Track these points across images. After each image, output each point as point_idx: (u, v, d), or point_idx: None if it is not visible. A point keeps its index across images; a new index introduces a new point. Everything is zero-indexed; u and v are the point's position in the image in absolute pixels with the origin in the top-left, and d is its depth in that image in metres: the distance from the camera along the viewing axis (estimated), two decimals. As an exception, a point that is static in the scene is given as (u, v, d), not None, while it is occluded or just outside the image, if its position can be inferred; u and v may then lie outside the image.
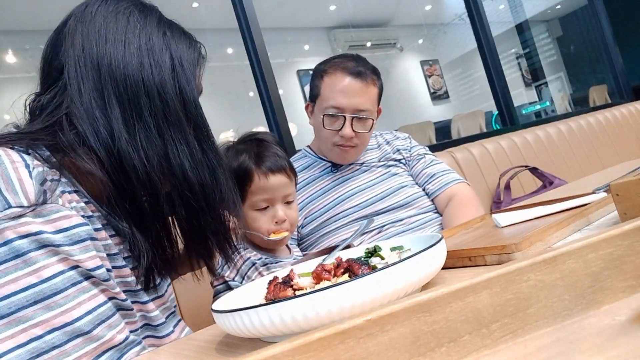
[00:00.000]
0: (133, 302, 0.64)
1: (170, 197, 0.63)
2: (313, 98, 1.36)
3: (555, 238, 0.62)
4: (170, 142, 0.63)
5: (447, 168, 1.45)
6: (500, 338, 0.33)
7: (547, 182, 1.91)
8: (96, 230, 0.59)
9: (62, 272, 0.52)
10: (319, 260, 0.70)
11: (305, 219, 1.33)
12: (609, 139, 2.55)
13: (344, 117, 1.27)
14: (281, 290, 0.53)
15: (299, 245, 1.33)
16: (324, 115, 1.29)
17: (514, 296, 0.34)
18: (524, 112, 6.54)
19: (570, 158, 2.30)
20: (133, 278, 0.64)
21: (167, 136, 0.63)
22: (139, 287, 0.65)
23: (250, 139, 1.04)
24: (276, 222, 0.98)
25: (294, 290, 0.53)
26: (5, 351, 0.47)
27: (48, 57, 0.65)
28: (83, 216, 0.58)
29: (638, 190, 0.54)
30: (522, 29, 7.42)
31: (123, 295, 0.60)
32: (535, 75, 7.58)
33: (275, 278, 0.57)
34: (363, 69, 1.29)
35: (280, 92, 2.09)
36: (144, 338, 0.65)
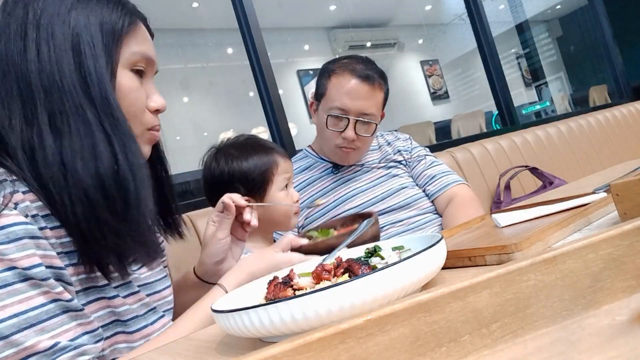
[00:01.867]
0: (98, 299, 0.62)
1: (61, 195, 0.57)
2: (318, 97, 1.35)
3: (555, 238, 0.62)
4: (67, 134, 0.58)
5: (447, 170, 1.45)
6: (500, 338, 0.33)
7: (547, 182, 1.91)
8: (52, 228, 0.58)
9: None
10: (319, 260, 0.70)
11: (306, 219, 1.33)
12: (609, 139, 2.55)
13: (348, 119, 1.27)
14: (281, 290, 0.53)
15: None
16: (328, 116, 1.28)
17: (514, 296, 0.34)
18: (524, 112, 6.54)
19: (570, 158, 2.30)
20: (98, 273, 0.62)
21: (63, 128, 0.58)
22: (104, 282, 0.63)
23: (242, 139, 1.12)
24: (296, 201, 1.11)
25: (294, 290, 0.53)
26: None
27: None
28: (35, 215, 0.56)
29: (638, 190, 0.54)
30: (522, 29, 7.42)
31: (68, 295, 0.56)
32: (535, 75, 7.58)
33: (275, 278, 0.57)
34: (371, 73, 1.28)
35: (280, 92, 2.09)
36: (113, 334, 0.64)
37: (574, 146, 2.36)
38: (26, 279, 0.53)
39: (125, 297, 0.67)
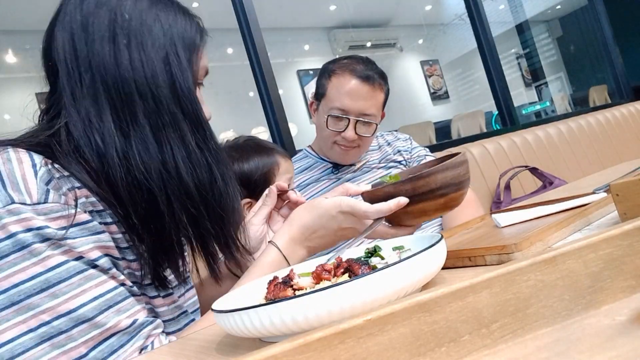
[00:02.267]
0: (141, 295, 0.64)
1: (170, 203, 0.60)
2: (319, 97, 1.36)
3: (555, 238, 0.62)
4: (167, 144, 0.60)
5: None
6: (500, 338, 0.33)
7: (547, 182, 1.91)
8: (106, 224, 0.59)
9: (66, 262, 0.53)
10: (318, 260, 0.70)
11: None
12: (609, 139, 2.55)
13: (348, 119, 1.27)
14: (281, 290, 0.53)
15: None
16: (328, 116, 1.29)
17: (514, 296, 0.34)
18: (524, 112, 6.54)
19: (570, 158, 2.30)
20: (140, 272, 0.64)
21: (163, 139, 0.60)
22: (147, 282, 0.65)
23: (242, 141, 1.12)
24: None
25: (294, 290, 0.53)
26: (19, 334, 0.50)
27: (43, 55, 0.64)
28: (92, 211, 0.58)
29: (638, 190, 0.54)
30: (522, 29, 7.42)
31: (129, 282, 0.60)
32: (535, 76, 7.58)
33: (275, 278, 0.57)
34: (372, 73, 1.28)
35: (280, 92, 2.09)
36: None
37: (574, 146, 2.36)
38: (95, 266, 0.55)
39: (164, 297, 0.68)
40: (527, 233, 0.60)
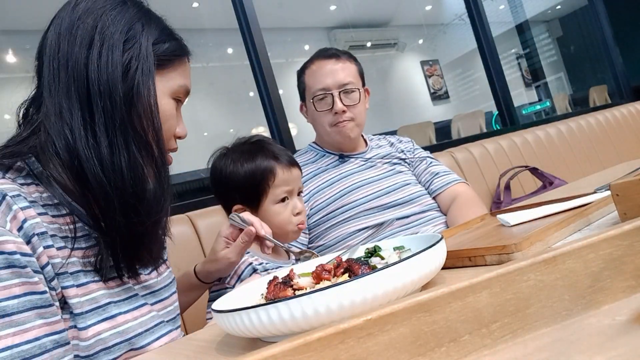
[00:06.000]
0: (104, 320, 0.63)
1: (108, 201, 0.62)
2: (303, 96, 1.45)
3: (555, 238, 0.62)
4: (116, 146, 0.63)
5: (448, 169, 1.50)
6: (500, 338, 0.33)
7: (547, 182, 1.91)
8: (62, 216, 0.62)
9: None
10: (318, 260, 0.70)
11: (311, 209, 1.34)
12: (609, 139, 2.55)
13: (332, 94, 1.35)
14: (281, 290, 0.53)
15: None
16: (313, 100, 1.37)
17: (514, 296, 0.34)
18: (524, 112, 6.54)
19: (570, 158, 2.30)
20: (102, 287, 0.65)
21: (114, 140, 0.63)
22: (108, 300, 0.65)
23: (250, 141, 1.08)
24: (298, 214, 1.04)
25: (294, 290, 0.53)
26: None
27: (36, 56, 0.67)
28: (46, 205, 0.60)
29: (638, 190, 0.54)
30: (522, 29, 7.42)
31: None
32: (535, 76, 7.58)
33: (275, 278, 0.57)
34: (335, 51, 1.43)
35: (280, 92, 2.09)
36: (123, 353, 0.65)
37: (574, 146, 2.36)
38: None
39: (126, 312, 0.66)
40: (527, 233, 0.60)
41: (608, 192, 0.75)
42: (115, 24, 0.65)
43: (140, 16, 0.68)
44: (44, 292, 0.56)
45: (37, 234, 0.57)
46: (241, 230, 0.87)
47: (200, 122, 5.77)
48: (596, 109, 3.01)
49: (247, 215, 0.88)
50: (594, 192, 0.80)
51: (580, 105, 6.26)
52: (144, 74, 0.65)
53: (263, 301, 0.53)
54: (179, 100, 0.73)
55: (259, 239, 0.87)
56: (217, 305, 0.53)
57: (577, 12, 6.86)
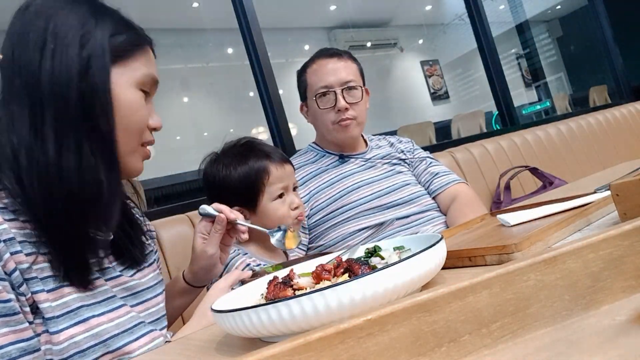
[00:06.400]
0: (77, 323, 0.63)
1: (51, 204, 0.61)
2: (303, 96, 1.45)
3: (555, 238, 0.62)
4: (65, 148, 0.62)
5: (448, 170, 1.50)
6: (500, 338, 0.33)
7: (547, 182, 1.91)
8: (24, 222, 0.61)
9: None
10: (318, 260, 0.70)
11: (311, 209, 1.34)
12: (609, 139, 2.55)
13: (334, 91, 1.35)
14: (281, 290, 0.53)
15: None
16: (316, 97, 1.37)
17: (514, 296, 0.34)
18: (524, 112, 6.54)
19: (570, 158, 2.30)
20: (73, 291, 0.64)
21: (64, 142, 0.62)
22: (80, 304, 0.64)
23: (240, 144, 1.09)
24: (295, 208, 1.06)
25: (294, 290, 0.53)
26: None
27: None
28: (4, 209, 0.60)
29: (638, 190, 0.54)
30: (522, 29, 7.42)
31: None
32: (535, 76, 7.58)
33: (275, 278, 0.57)
34: (336, 50, 1.44)
35: (280, 92, 2.09)
36: (99, 357, 0.64)
37: (574, 146, 2.36)
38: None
39: (100, 315, 0.65)
40: (527, 233, 0.60)
41: (608, 192, 0.75)
42: (67, 23, 0.64)
43: (93, 11, 0.67)
44: (8, 301, 0.56)
45: (4, 240, 0.57)
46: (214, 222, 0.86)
47: (200, 122, 5.76)
48: (596, 109, 3.01)
49: (215, 205, 0.86)
50: (594, 192, 0.80)
51: (580, 105, 6.26)
52: (100, 69, 0.64)
53: (263, 301, 0.53)
54: (147, 92, 0.72)
55: (234, 227, 0.86)
56: (217, 305, 0.53)
57: (577, 12, 6.86)
